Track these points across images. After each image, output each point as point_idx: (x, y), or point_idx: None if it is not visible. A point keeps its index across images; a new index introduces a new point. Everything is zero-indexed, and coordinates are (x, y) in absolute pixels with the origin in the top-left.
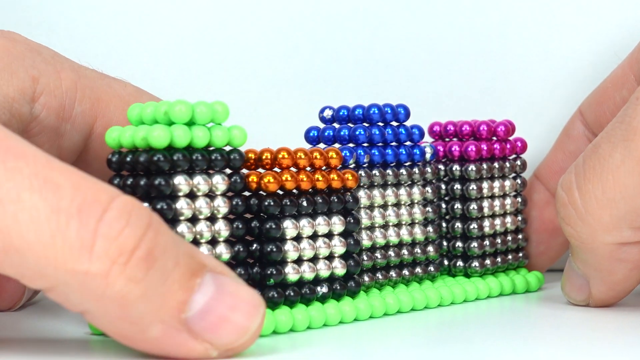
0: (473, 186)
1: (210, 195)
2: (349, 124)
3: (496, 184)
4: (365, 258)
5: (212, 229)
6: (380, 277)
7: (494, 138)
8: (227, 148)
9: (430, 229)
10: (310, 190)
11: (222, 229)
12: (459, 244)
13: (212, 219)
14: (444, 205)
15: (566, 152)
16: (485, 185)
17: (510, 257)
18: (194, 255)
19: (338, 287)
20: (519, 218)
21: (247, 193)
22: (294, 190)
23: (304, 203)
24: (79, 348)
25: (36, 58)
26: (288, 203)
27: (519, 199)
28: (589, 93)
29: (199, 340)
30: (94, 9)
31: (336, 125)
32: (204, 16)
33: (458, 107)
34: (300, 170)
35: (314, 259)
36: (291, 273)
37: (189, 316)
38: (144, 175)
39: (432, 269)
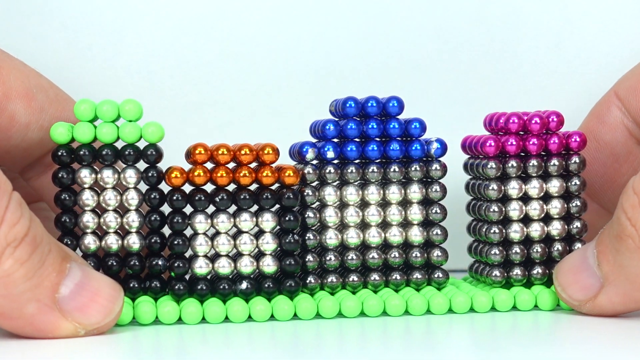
0: (493, 186)
1: (122, 188)
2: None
3: (533, 184)
4: (331, 258)
5: (119, 220)
6: (355, 279)
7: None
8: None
9: (437, 231)
10: (252, 186)
11: (134, 220)
12: (486, 249)
13: (124, 210)
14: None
15: (600, 142)
16: (513, 185)
17: None
18: (60, 245)
19: (270, 285)
20: (576, 225)
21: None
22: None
23: (218, 199)
24: (73, 349)
25: None
26: (202, 198)
27: (577, 203)
28: (624, 75)
29: (69, 319)
30: (92, 2)
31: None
32: (206, 12)
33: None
34: (220, 166)
35: (238, 255)
36: (202, 267)
37: (61, 296)
38: (59, 168)
39: (439, 275)
